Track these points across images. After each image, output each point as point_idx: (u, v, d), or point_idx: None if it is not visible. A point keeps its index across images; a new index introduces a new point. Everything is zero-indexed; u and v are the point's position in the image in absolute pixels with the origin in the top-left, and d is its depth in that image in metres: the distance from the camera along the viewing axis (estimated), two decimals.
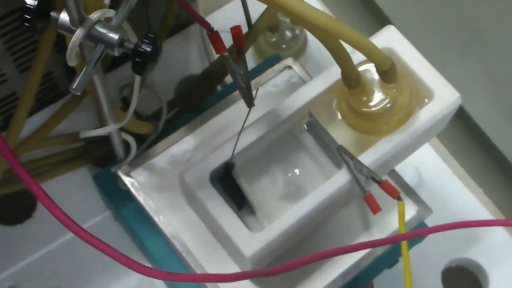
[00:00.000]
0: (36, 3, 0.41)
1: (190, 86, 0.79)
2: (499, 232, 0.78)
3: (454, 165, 0.88)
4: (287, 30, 0.84)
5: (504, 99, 0.78)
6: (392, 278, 0.71)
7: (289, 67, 0.69)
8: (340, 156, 0.55)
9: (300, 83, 0.68)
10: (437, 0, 0.79)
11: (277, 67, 0.69)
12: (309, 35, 0.86)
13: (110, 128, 0.57)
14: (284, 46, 0.84)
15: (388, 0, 0.87)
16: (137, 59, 0.42)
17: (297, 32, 0.85)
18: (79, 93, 0.43)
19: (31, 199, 0.75)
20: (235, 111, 0.66)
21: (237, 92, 0.65)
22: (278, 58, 0.72)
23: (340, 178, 0.54)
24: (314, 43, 0.86)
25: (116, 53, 0.43)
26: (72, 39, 0.42)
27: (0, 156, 0.63)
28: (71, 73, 0.75)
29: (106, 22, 0.44)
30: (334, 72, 0.55)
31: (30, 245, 0.73)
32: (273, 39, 0.84)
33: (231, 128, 0.62)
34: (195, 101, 0.75)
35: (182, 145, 0.65)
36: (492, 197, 0.88)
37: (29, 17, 0.41)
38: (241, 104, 0.62)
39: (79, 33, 0.42)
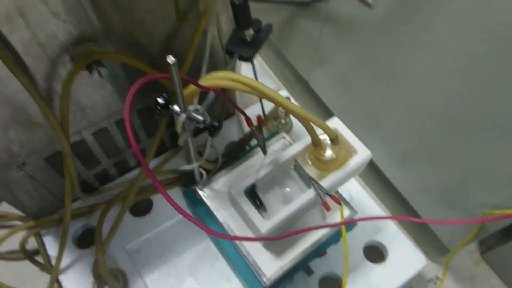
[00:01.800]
0: (163, 101, 0.43)
1: (232, 146, 0.79)
2: (392, 225, 0.76)
3: (368, 190, 0.88)
4: (282, 119, 0.84)
5: (393, 155, 0.77)
6: (337, 249, 0.70)
7: (284, 137, 0.69)
8: (310, 181, 0.55)
9: (289, 145, 0.68)
10: (355, 103, 0.79)
11: (277, 137, 0.69)
12: (293, 121, 0.85)
13: (194, 166, 0.57)
14: (280, 126, 0.84)
15: (331, 103, 0.87)
16: (211, 129, 0.44)
17: (287, 120, 0.85)
18: (181, 146, 0.45)
19: (149, 203, 0.74)
20: (256, 158, 0.65)
21: (258, 148, 0.66)
22: (277, 132, 0.72)
23: (310, 193, 0.54)
24: (296, 126, 0.86)
25: (201, 126, 0.45)
26: (180, 118, 0.44)
27: (138, 180, 0.63)
28: (173, 138, 0.76)
29: (196, 110, 0.46)
30: (307, 139, 0.56)
31: (147, 227, 0.72)
32: (275, 123, 0.84)
33: (255, 166, 0.62)
34: (235, 153, 0.75)
35: (228, 175, 0.64)
36: (388, 206, 0.87)
37: (160, 108, 0.43)
38: (260, 155, 0.65)
39: (183, 116, 0.45)
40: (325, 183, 0.55)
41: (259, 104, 0.78)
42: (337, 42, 0.76)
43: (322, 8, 0.74)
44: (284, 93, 0.96)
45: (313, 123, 0.48)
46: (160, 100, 0.43)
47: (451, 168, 0.65)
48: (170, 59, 0.37)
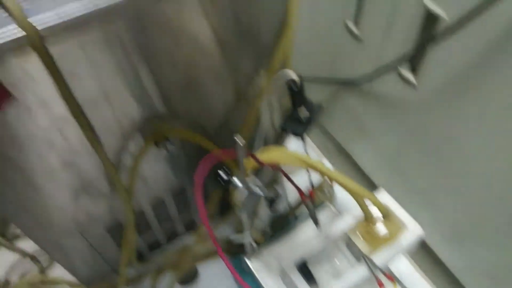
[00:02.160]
0: (227, 177, 0.45)
1: (278, 218, 0.77)
2: None
3: (415, 266, 0.83)
4: (326, 190, 0.85)
5: (443, 232, 0.75)
6: None
7: (329, 207, 0.69)
8: (361, 256, 0.54)
9: (334, 215, 0.66)
10: (400, 176, 0.78)
11: (323, 207, 0.69)
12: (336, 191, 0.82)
13: (248, 238, 0.58)
14: (324, 197, 0.83)
15: (374, 175, 0.87)
16: (272, 202, 0.46)
17: (330, 190, 0.83)
18: (241, 217, 0.46)
19: (195, 273, 0.74)
20: (305, 229, 0.63)
21: (305, 219, 0.64)
22: (323, 203, 0.73)
23: (362, 269, 0.54)
24: (338, 195, 0.82)
25: (261, 200, 0.47)
26: (241, 193, 0.46)
27: (191, 249, 0.63)
28: (222, 208, 0.76)
29: (256, 185, 0.47)
30: (357, 213, 0.56)
31: None
32: (320, 194, 0.82)
33: (305, 239, 0.61)
34: (281, 224, 0.74)
35: (278, 247, 0.62)
36: (435, 282, 0.81)
37: (223, 182, 0.45)
38: (308, 226, 0.63)
39: (242, 187, 0.46)
40: (377, 259, 0.54)
41: (298, 174, 0.78)
42: (380, 119, 0.79)
43: (366, 87, 0.78)
44: (325, 162, 0.97)
45: (367, 199, 0.49)
46: (223, 175, 0.46)
47: (507, 248, 0.63)
48: (240, 140, 0.40)
